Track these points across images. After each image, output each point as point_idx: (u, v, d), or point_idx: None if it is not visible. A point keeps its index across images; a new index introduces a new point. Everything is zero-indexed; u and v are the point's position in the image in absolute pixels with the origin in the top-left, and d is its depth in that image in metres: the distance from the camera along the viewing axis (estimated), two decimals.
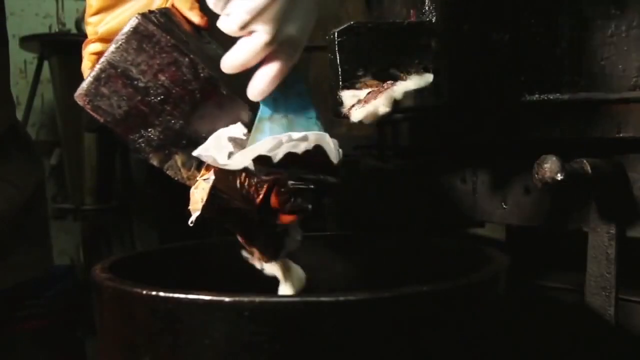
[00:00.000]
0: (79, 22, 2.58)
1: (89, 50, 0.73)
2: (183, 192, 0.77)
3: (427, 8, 0.75)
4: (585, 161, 0.69)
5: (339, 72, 0.76)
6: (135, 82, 0.67)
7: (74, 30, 2.62)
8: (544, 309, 0.87)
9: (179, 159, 0.69)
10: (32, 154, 1.01)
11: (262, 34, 0.60)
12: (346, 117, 0.76)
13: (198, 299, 0.50)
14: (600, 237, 0.73)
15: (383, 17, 1.04)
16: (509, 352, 0.62)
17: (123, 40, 0.67)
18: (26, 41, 2.48)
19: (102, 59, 0.68)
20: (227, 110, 0.68)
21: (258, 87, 0.63)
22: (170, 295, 0.51)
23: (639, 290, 0.79)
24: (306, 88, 0.70)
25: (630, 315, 0.78)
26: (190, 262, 0.80)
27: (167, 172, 0.71)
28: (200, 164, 0.69)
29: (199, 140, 0.68)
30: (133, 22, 0.66)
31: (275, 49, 0.62)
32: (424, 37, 0.75)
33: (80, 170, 2.54)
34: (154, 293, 0.52)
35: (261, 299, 0.48)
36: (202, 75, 0.66)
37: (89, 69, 0.72)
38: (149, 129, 0.68)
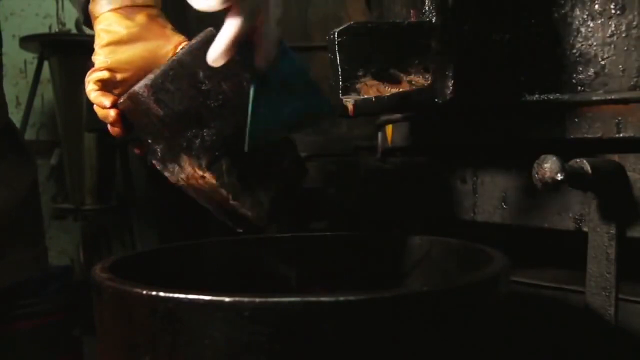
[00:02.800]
0: (79, 22, 2.58)
1: (95, 77, 0.75)
2: (183, 192, 0.77)
3: (427, 8, 0.75)
4: (585, 161, 0.69)
5: (339, 72, 0.76)
6: (200, 85, 0.72)
7: (74, 30, 2.62)
8: (544, 309, 0.87)
9: (224, 163, 0.73)
10: (26, 154, 1.01)
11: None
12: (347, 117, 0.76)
13: (198, 299, 0.50)
14: (600, 237, 0.73)
15: (383, 17, 1.04)
16: (509, 352, 0.62)
17: (196, 46, 0.72)
18: (26, 41, 2.48)
19: (173, 58, 0.73)
20: None
21: (217, 49, 0.64)
22: (170, 295, 0.51)
23: (639, 290, 0.79)
24: (296, 60, 0.72)
25: (630, 315, 0.78)
26: (190, 262, 0.80)
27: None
28: (240, 174, 0.73)
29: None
30: (208, 32, 0.73)
31: (235, 9, 0.63)
32: (424, 37, 0.75)
33: (80, 170, 2.54)
34: (154, 293, 0.52)
35: (261, 299, 0.48)
36: None
37: (95, 91, 0.75)
38: (204, 130, 0.72)
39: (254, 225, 0.76)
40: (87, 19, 0.80)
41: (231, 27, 0.63)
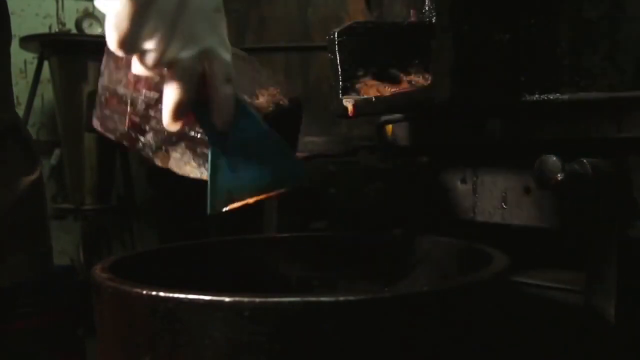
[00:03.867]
0: (79, 22, 2.58)
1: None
2: (183, 192, 0.77)
3: (427, 8, 0.75)
4: (585, 161, 0.69)
5: (339, 72, 0.76)
6: (124, 98, 0.74)
7: (74, 30, 2.62)
8: (544, 309, 0.87)
9: (173, 154, 0.73)
10: (30, 153, 1.01)
11: (147, 56, 0.58)
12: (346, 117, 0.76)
13: (198, 299, 0.50)
14: (600, 237, 0.73)
15: (383, 17, 1.04)
16: (509, 352, 0.62)
17: (104, 64, 0.75)
18: (26, 41, 2.49)
19: (99, 86, 0.76)
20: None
21: (165, 118, 0.62)
22: (170, 295, 0.51)
23: (639, 290, 0.79)
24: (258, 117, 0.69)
25: (630, 315, 0.78)
26: (190, 262, 0.80)
27: (173, 169, 0.74)
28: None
29: (186, 136, 0.72)
30: (106, 48, 0.68)
31: (165, 74, 0.60)
32: (424, 37, 0.75)
33: (80, 170, 2.54)
34: (154, 293, 0.52)
35: (261, 299, 0.48)
36: None
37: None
38: (146, 136, 0.74)
39: None
40: None
41: (170, 93, 0.60)
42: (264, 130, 0.68)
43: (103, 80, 0.75)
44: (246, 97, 0.73)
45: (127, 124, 0.74)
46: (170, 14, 0.57)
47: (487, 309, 0.57)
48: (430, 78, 0.78)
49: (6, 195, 0.95)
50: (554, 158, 0.67)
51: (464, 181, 0.91)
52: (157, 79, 0.65)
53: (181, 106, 0.61)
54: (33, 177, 1.00)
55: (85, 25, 2.56)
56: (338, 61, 0.76)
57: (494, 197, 0.87)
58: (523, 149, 0.80)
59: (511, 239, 0.93)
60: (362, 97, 0.78)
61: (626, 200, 0.72)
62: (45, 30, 2.82)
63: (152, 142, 0.73)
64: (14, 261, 0.95)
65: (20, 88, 2.73)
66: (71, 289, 1.48)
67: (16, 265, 0.95)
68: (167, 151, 0.73)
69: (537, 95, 0.79)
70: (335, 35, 0.75)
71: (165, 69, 0.60)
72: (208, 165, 0.66)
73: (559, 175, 0.66)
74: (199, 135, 0.71)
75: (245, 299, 0.49)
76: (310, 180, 0.74)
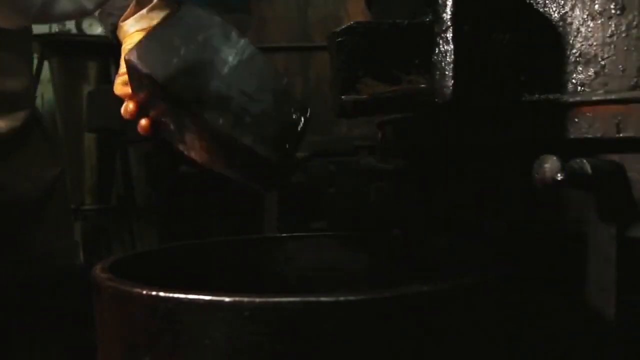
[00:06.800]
0: (79, 22, 2.58)
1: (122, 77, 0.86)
2: (183, 192, 0.77)
3: (427, 8, 0.75)
4: (585, 161, 0.68)
5: (339, 72, 0.76)
6: (179, 46, 0.78)
7: (74, 30, 2.62)
8: (544, 309, 0.87)
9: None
10: (53, 147, 1.02)
11: None
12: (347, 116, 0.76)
13: (198, 299, 0.50)
14: (600, 237, 0.73)
15: (383, 17, 1.04)
16: (509, 352, 0.62)
17: (170, 20, 0.80)
18: None
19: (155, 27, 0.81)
20: None
21: None
22: (170, 295, 0.51)
23: (639, 290, 0.79)
24: None
25: (630, 315, 0.78)
26: (190, 262, 0.80)
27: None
28: None
29: None
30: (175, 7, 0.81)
31: None
32: (424, 37, 0.75)
33: (80, 170, 2.54)
34: (154, 293, 0.52)
35: (261, 299, 0.48)
36: None
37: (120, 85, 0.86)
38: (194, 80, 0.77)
39: (276, 172, 0.78)
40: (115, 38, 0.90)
41: None
42: None
43: (164, 27, 0.79)
44: None
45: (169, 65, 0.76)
46: None
47: (487, 309, 0.57)
48: (430, 78, 0.78)
49: (30, 188, 0.95)
50: (554, 158, 0.67)
51: (464, 181, 0.91)
52: None
53: None
54: (56, 171, 1.01)
55: (85, 25, 2.56)
56: (338, 61, 0.75)
57: (494, 197, 0.87)
58: (523, 149, 0.80)
59: (511, 239, 0.93)
60: (362, 97, 0.78)
61: (626, 200, 0.72)
62: (46, 30, 2.82)
63: None
64: (39, 252, 0.95)
65: None
66: (83, 289, 1.47)
67: (42, 256, 0.95)
68: None
69: (537, 95, 0.79)
70: (335, 35, 0.75)
71: None
72: None
73: (559, 175, 0.66)
74: None
75: (245, 299, 0.49)
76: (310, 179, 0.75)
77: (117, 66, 0.85)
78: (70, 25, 2.74)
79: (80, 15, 0.90)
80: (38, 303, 1.00)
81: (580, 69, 0.77)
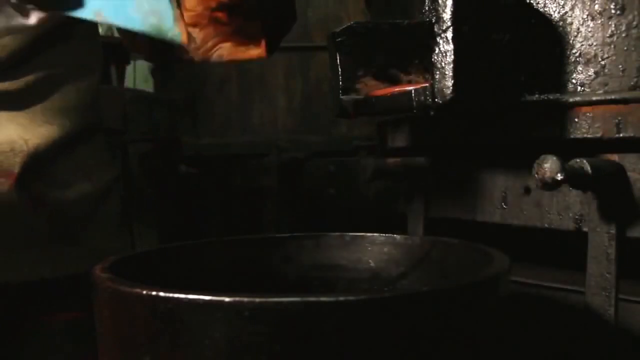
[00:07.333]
0: None
1: None
2: (183, 192, 0.77)
3: (427, 8, 0.75)
4: (585, 161, 0.69)
5: (339, 72, 0.76)
6: None
7: None
8: (544, 309, 0.87)
9: None
10: (111, 151, 1.03)
11: None
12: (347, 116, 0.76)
13: (198, 299, 0.50)
14: (600, 237, 0.73)
15: (383, 17, 1.04)
16: (509, 352, 0.62)
17: None
18: None
19: None
20: None
21: None
22: (170, 295, 0.51)
23: (639, 290, 0.79)
24: None
25: (630, 315, 0.78)
26: (190, 262, 0.80)
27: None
28: None
29: None
30: None
31: None
32: (424, 37, 0.75)
33: None
34: (154, 293, 0.52)
35: (261, 299, 0.48)
36: None
37: None
38: None
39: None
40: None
41: None
42: None
43: None
44: None
45: None
46: None
47: (487, 309, 0.57)
48: (430, 78, 0.78)
49: (89, 188, 0.96)
50: (554, 158, 0.67)
51: (464, 181, 0.91)
52: None
53: None
54: (115, 172, 1.02)
55: None
56: (338, 61, 0.76)
57: (494, 197, 0.87)
58: (523, 149, 0.80)
59: (511, 239, 0.93)
60: (362, 97, 0.78)
61: (626, 200, 0.72)
62: None
63: None
64: (95, 246, 0.95)
65: None
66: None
67: (94, 259, 0.96)
68: None
69: (537, 95, 0.79)
70: (335, 35, 0.75)
71: None
72: None
73: (559, 175, 0.66)
74: None
75: (245, 299, 0.49)
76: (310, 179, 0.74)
77: (117, 66, 0.84)
78: None
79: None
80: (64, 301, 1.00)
81: (580, 69, 0.77)
